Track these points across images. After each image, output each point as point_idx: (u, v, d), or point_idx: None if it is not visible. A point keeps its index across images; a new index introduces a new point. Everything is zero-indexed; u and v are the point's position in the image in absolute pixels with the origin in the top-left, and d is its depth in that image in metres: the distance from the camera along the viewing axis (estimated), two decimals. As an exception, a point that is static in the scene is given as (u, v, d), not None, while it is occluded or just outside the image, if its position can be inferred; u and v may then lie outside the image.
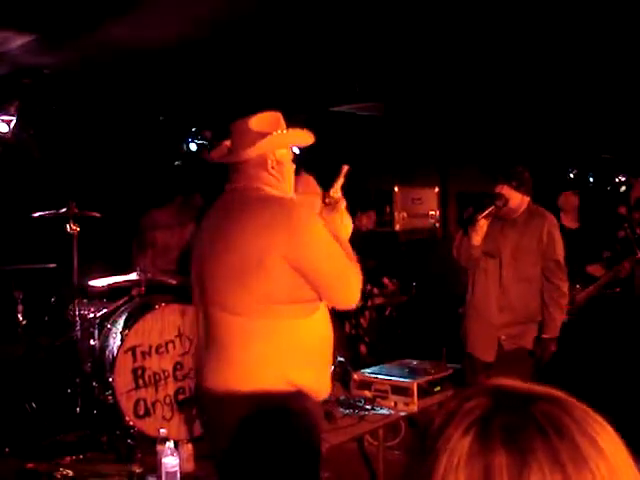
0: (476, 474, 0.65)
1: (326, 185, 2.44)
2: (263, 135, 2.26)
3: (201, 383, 2.27)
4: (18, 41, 4.32)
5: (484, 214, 3.58)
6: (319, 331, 2.25)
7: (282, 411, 2.13)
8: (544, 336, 3.71)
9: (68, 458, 4.00)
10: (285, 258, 2.08)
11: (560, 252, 3.75)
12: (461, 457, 0.66)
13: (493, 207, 3.59)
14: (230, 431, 2.13)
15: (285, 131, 2.33)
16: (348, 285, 2.21)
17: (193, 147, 6.63)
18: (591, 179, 10.30)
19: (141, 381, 4.22)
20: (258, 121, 2.28)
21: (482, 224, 3.60)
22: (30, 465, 3.87)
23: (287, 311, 2.16)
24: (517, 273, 3.71)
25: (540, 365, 3.74)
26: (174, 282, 4.64)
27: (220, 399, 2.16)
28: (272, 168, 2.27)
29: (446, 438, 0.69)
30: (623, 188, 9.53)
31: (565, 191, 5.22)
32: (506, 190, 3.64)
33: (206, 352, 2.25)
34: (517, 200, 3.68)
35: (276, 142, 2.30)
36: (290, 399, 2.14)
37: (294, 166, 2.38)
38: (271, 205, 2.18)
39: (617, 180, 10.00)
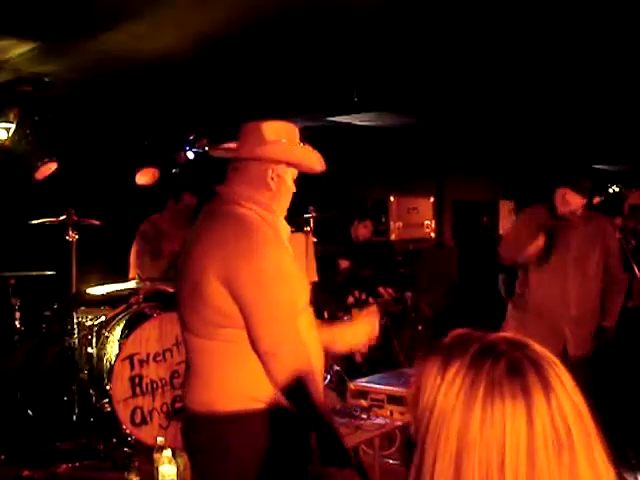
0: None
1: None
2: (272, 140, 2.12)
3: (184, 402, 2.20)
4: (19, 49, 4.34)
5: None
6: None
7: (257, 428, 2.02)
8: (606, 324, 4.02)
9: (64, 466, 4.01)
10: (222, 280, 1.95)
11: (619, 249, 4.12)
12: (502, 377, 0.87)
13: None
14: (212, 452, 2.07)
15: (297, 145, 2.20)
16: (278, 333, 1.98)
17: (191, 155, 6.64)
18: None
19: (138, 389, 4.23)
20: (271, 126, 2.15)
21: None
22: (26, 472, 3.88)
23: (240, 335, 2.00)
24: (581, 271, 3.95)
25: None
26: (172, 290, 4.65)
27: (197, 419, 2.09)
28: (271, 179, 2.12)
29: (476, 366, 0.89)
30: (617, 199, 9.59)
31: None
32: (569, 194, 3.85)
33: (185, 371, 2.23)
34: (577, 202, 3.88)
35: (283, 151, 2.15)
36: (261, 417, 2.02)
37: (293, 189, 2.22)
38: (235, 224, 2.03)
39: (611, 191, 10.07)
